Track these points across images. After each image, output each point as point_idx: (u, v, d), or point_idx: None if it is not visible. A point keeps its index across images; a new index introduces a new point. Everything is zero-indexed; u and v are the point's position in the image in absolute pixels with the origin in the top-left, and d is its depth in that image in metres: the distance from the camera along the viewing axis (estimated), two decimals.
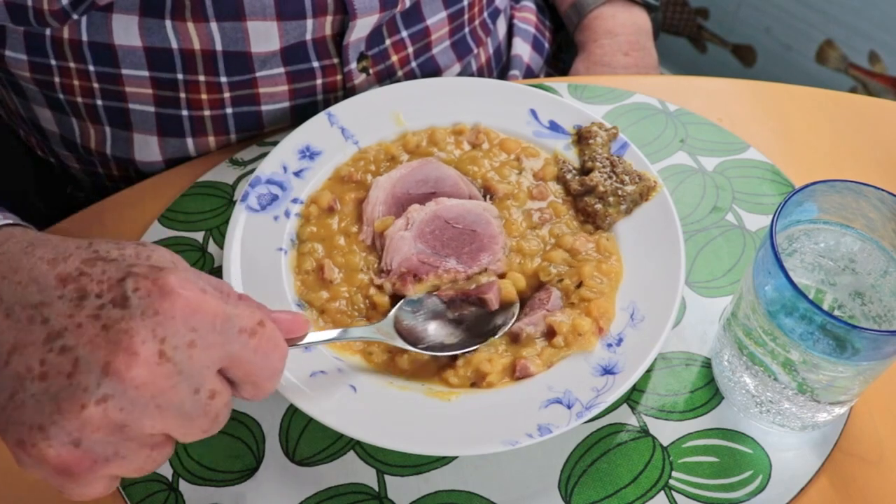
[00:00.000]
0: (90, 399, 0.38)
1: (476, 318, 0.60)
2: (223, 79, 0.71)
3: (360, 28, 0.73)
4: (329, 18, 0.71)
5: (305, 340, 0.50)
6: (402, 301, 0.60)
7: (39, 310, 0.40)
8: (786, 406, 0.54)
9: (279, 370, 0.44)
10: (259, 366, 0.43)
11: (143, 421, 0.39)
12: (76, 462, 0.39)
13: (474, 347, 0.58)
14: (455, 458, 0.57)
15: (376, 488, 0.56)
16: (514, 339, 0.59)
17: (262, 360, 0.43)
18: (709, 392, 0.60)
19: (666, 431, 0.58)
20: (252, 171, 0.71)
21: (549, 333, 0.59)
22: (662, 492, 0.55)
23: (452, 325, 0.60)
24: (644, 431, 0.58)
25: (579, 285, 0.61)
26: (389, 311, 0.60)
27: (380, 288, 0.62)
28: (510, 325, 0.59)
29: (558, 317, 0.59)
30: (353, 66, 0.76)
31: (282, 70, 0.73)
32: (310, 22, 0.70)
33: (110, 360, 0.38)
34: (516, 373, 0.57)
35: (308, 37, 0.72)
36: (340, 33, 0.73)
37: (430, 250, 0.62)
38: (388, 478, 0.56)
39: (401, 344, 0.57)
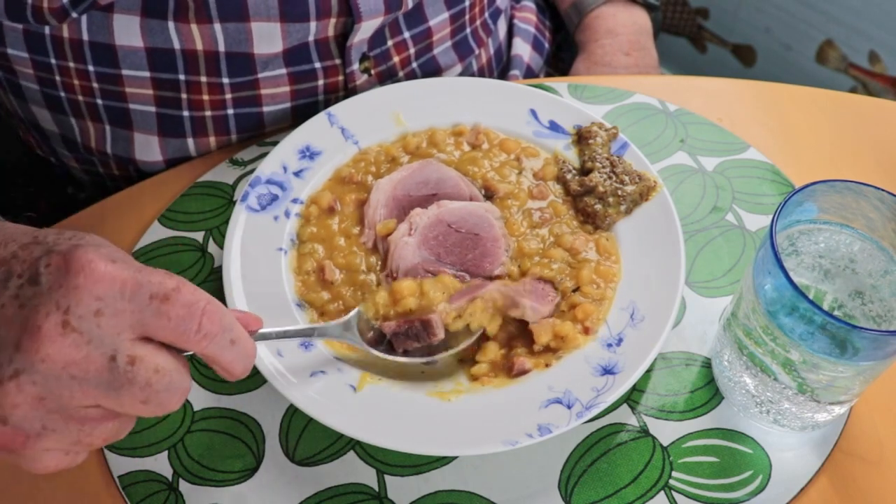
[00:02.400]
0: (4, 375, 0.39)
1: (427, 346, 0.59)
2: (225, 80, 0.71)
3: (365, 30, 0.73)
4: (333, 21, 0.71)
5: (267, 333, 0.51)
6: (357, 310, 0.58)
7: None
8: (786, 406, 0.54)
9: (205, 334, 0.43)
10: (178, 331, 0.42)
11: (60, 392, 0.39)
12: (9, 439, 0.40)
13: (436, 357, 0.58)
14: (455, 458, 0.57)
15: (376, 488, 0.56)
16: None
17: (178, 324, 0.42)
18: (709, 392, 0.60)
19: (666, 431, 0.58)
20: (252, 171, 0.72)
21: (530, 337, 0.59)
22: (662, 492, 0.55)
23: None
24: (644, 431, 0.58)
25: (576, 289, 0.61)
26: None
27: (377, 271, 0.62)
28: (471, 340, 0.59)
29: (541, 325, 0.59)
30: (356, 66, 0.76)
31: (284, 71, 0.73)
32: (314, 24, 0.70)
33: (20, 337, 0.39)
34: (514, 370, 0.57)
35: (311, 38, 0.72)
36: (343, 35, 0.73)
37: (433, 258, 0.62)
38: (388, 478, 0.56)
39: (365, 347, 0.57)
